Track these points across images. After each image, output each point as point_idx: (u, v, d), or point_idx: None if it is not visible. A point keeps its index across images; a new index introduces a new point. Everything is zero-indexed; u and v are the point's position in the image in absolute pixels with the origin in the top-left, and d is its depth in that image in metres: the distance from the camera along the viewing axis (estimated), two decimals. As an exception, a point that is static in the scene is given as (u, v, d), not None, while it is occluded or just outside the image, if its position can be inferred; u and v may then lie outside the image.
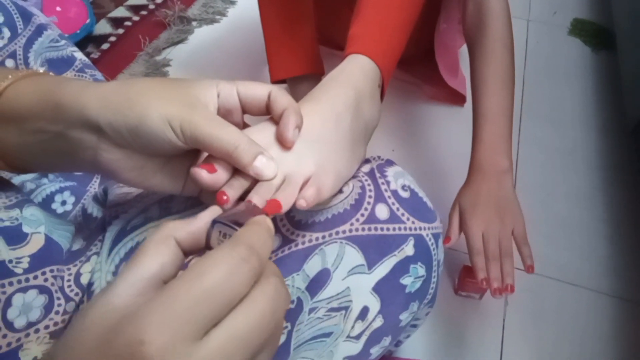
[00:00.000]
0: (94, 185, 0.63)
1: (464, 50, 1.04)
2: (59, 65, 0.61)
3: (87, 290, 0.39)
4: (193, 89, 0.33)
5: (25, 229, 0.38)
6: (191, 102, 0.32)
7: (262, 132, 0.36)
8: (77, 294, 0.39)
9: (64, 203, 0.62)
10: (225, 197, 0.31)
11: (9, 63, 0.59)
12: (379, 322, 0.40)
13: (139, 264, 0.24)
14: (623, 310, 0.77)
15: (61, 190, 0.63)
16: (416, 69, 1.05)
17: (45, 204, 0.61)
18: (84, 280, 0.39)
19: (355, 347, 0.39)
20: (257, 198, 0.32)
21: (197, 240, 0.27)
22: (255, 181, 0.34)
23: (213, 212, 0.29)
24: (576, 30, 1.28)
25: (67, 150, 0.33)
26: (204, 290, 0.21)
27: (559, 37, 1.27)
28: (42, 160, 0.35)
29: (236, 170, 0.33)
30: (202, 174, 0.32)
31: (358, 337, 0.39)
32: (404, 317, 0.42)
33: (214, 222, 0.27)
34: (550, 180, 0.95)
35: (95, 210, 0.50)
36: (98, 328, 0.21)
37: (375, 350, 0.42)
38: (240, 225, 0.26)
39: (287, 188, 0.34)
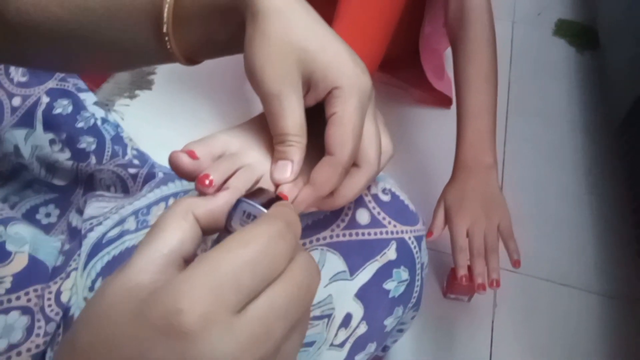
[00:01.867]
0: (77, 197, 0.63)
1: (449, 53, 1.04)
2: (39, 73, 0.61)
3: (65, 310, 0.38)
4: None
5: (9, 247, 0.37)
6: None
7: (243, 134, 0.35)
8: (57, 314, 0.38)
9: (48, 215, 0.61)
10: (207, 181, 0.29)
11: (-12, 74, 0.58)
12: (363, 329, 0.40)
13: (158, 239, 0.23)
14: (611, 308, 0.78)
15: (45, 203, 0.62)
16: (402, 73, 1.05)
17: (30, 215, 0.60)
18: (65, 298, 0.38)
19: (340, 355, 0.39)
20: (237, 183, 0.30)
21: (215, 219, 0.26)
22: (236, 170, 0.32)
23: (233, 192, 0.28)
24: (561, 31, 1.29)
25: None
26: (246, 261, 0.20)
27: (544, 37, 1.27)
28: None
29: (219, 156, 0.32)
30: (184, 158, 0.30)
31: (342, 344, 0.39)
32: (389, 322, 0.42)
33: (239, 201, 0.26)
34: (538, 179, 0.95)
35: (79, 223, 0.50)
36: (126, 303, 0.20)
37: (361, 357, 0.41)
38: (264, 206, 0.26)
39: (263, 186, 0.32)
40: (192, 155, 0.30)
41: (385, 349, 0.54)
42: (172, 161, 0.30)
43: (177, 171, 0.30)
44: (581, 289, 0.80)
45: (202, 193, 0.29)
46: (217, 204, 0.26)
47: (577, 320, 0.76)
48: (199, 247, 0.25)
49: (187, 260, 0.24)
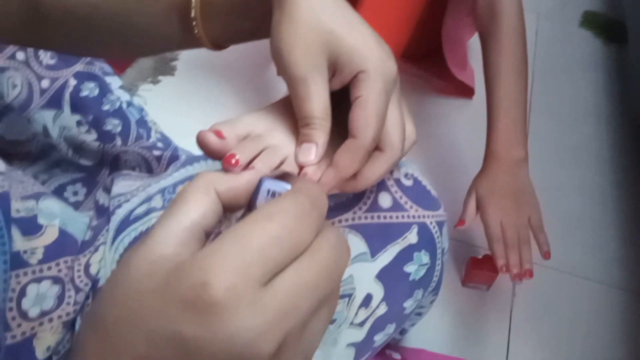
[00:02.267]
0: (104, 176, 0.64)
1: (472, 43, 1.03)
2: (67, 57, 0.62)
3: (94, 281, 0.40)
4: None
5: (41, 220, 0.38)
6: None
7: (268, 116, 0.35)
8: (86, 284, 0.39)
9: (75, 193, 0.63)
10: (234, 161, 0.29)
11: (20, 56, 0.60)
12: (383, 309, 0.40)
13: (180, 211, 0.22)
14: (633, 303, 0.77)
15: (73, 182, 0.64)
16: (424, 63, 1.04)
17: (58, 193, 0.62)
18: (93, 270, 0.40)
19: (359, 334, 0.40)
20: (261, 164, 0.31)
21: (236, 197, 0.26)
22: (261, 151, 0.32)
23: (256, 172, 0.28)
24: (587, 23, 1.26)
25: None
26: (272, 234, 0.20)
27: (569, 30, 1.25)
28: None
29: (245, 137, 0.33)
30: (211, 137, 0.30)
31: (362, 324, 0.40)
32: (408, 304, 0.42)
33: (263, 180, 0.26)
34: (561, 175, 0.94)
35: (107, 201, 0.51)
36: (151, 276, 0.20)
37: (380, 338, 0.42)
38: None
39: (287, 168, 0.33)
40: (218, 134, 0.30)
41: (402, 331, 0.55)
42: (199, 139, 0.30)
43: (204, 149, 0.31)
44: (602, 283, 0.79)
45: (228, 172, 0.30)
46: (239, 182, 0.26)
47: (596, 314, 0.75)
48: (222, 223, 0.26)
49: (209, 235, 0.24)
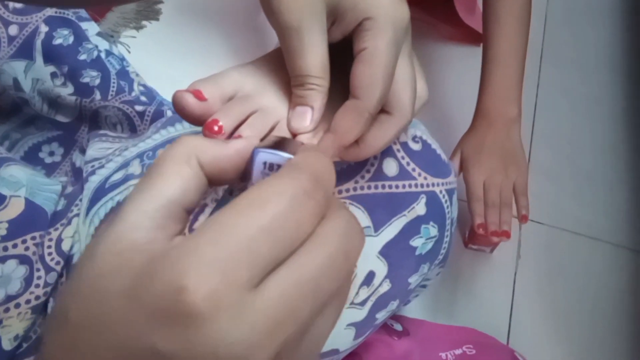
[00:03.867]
0: (83, 134, 0.59)
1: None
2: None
3: (67, 258, 0.36)
4: None
5: (3, 190, 0.35)
6: None
7: (257, 72, 0.31)
8: (57, 263, 0.35)
9: (52, 154, 0.59)
10: (217, 127, 0.25)
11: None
12: (386, 287, 0.37)
13: (155, 186, 0.19)
14: (642, 264, 0.75)
15: (49, 141, 0.60)
16: (431, 7, 0.97)
17: (32, 153, 0.58)
18: (66, 246, 0.36)
19: (360, 314, 0.37)
20: (250, 132, 0.27)
21: (223, 170, 0.22)
22: (249, 115, 0.28)
23: (248, 141, 0.23)
24: (606, -39, 1.17)
25: None
26: (262, 225, 0.16)
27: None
28: None
29: (230, 98, 0.28)
30: (189, 99, 0.26)
31: (363, 303, 0.37)
32: (414, 280, 0.39)
33: (257, 150, 0.22)
34: (572, 130, 0.89)
35: (83, 164, 0.47)
36: (118, 275, 0.17)
37: (382, 315, 0.39)
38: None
39: (279, 133, 0.29)
40: (199, 95, 0.26)
41: (405, 303, 0.52)
42: (176, 102, 0.26)
43: (182, 114, 0.26)
44: (611, 243, 0.77)
45: (212, 138, 0.26)
46: (225, 153, 0.22)
47: (605, 276, 0.73)
48: (208, 196, 0.22)
49: (190, 212, 0.20)
